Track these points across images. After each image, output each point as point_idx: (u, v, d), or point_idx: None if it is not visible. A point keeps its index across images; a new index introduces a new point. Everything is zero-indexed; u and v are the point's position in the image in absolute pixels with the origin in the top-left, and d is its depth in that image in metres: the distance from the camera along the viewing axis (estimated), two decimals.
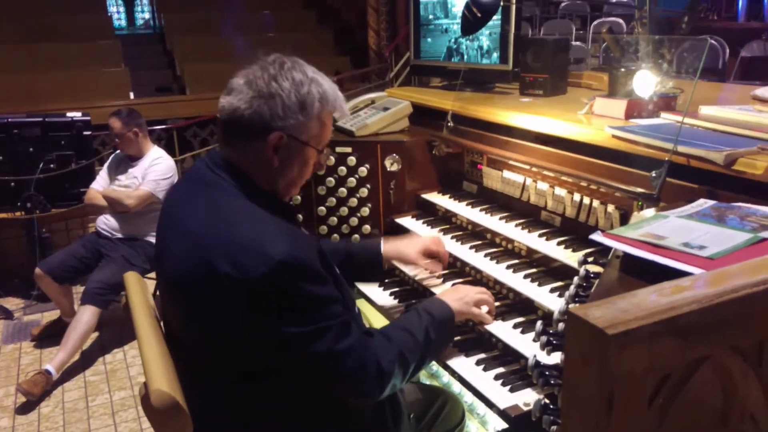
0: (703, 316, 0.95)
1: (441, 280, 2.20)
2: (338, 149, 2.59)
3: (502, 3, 2.17)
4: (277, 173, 1.53)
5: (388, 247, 2.06)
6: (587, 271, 1.46)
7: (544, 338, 1.26)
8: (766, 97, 2.34)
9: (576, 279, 1.47)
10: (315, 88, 1.49)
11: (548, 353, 1.31)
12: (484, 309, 1.89)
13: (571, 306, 0.92)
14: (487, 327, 1.91)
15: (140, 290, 1.89)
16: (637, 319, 0.91)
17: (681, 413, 1.01)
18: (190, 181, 1.62)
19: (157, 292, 1.91)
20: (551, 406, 1.19)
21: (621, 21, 7.86)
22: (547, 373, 1.21)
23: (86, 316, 3.79)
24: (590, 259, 1.62)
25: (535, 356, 1.24)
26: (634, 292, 0.99)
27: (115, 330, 4.41)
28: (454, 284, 2.17)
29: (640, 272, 1.24)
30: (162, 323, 1.74)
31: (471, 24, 2.16)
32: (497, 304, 1.96)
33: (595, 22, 7.94)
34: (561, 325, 1.35)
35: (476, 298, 1.85)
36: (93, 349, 4.17)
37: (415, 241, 2.10)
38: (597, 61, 7.13)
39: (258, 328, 1.37)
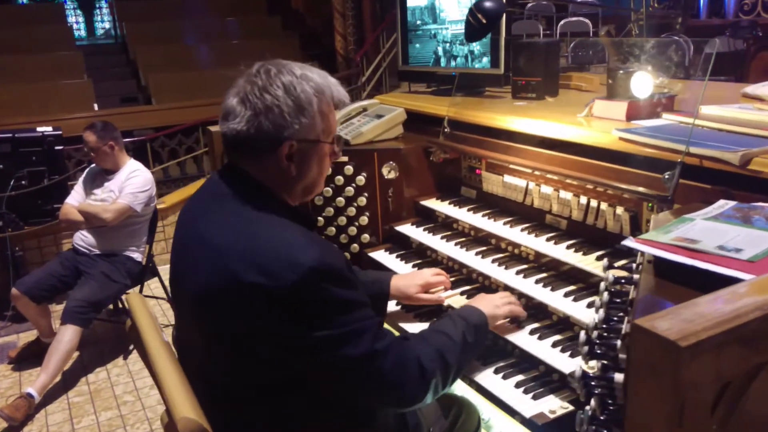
0: (766, 323, 0.95)
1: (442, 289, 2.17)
2: None
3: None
4: (296, 179, 1.51)
5: (392, 283, 2.04)
6: (615, 276, 1.45)
7: (586, 348, 1.24)
8: (758, 95, 2.38)
9: (603, 284, 1.46)
10: (307, 85, 1.45)
11: (586, 361, 1.30)
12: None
13: (637, 319, 0.91)
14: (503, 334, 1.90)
15: (146, 312, 1.82)
16: (705, 330, 0.90)
17: (741, 419, 1.01)
18: (205, 196, 1.58)
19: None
20: (601, 417, 1.18)
21: (587, 21, 7.97)
22: (593, 383, 1.20)
23: (67, 335, 3.68)
24: (610, 263, 1.62)
25: (581, 367, 1.23)
26: (694, 301, 0.98)
27: (96, 349, 4.31)
28: (464, 291, 2.16)
29: (675, 277, 1.23)
30: (175, 345, 1.69)
31: (476, 30, 2.14)
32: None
33: (562, 22, 8.04)
34: (595, 333, 1.34)
35: (504, 302, 1.85)
36: (74, 370, 4.06)
37: (415, 278, 2.08)
38: (565, 60, 7.21)
39: (292, 337, 1.33)
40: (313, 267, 1.29)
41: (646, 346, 0.92)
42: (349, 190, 2.56)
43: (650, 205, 1.87)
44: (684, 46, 6.21)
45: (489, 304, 1.81)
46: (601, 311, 1.33)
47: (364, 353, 1.35)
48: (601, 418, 1.18)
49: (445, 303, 2.10)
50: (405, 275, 2.11)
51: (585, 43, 7.14)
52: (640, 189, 1.81)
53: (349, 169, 2.55)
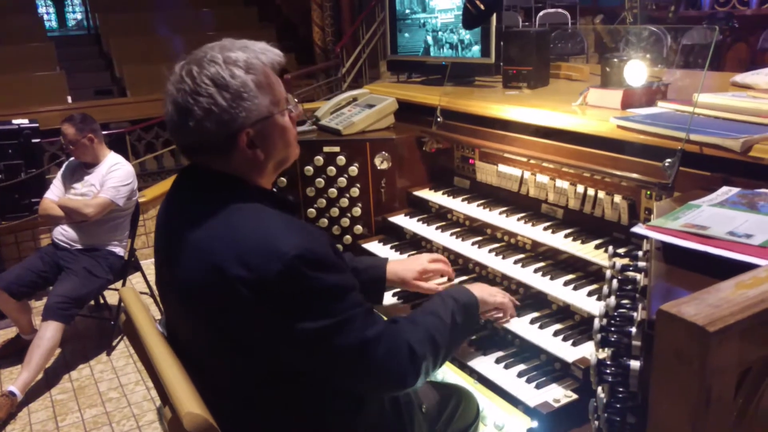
0: None
1: (445, 279, 2.16)
2: (326, 149, 2.52)
3: None
4: (266, 161, 1.45)
5: (389, 268, 2.01)
6: (622, 265, 1.45)
7: (599, 336, 1.24)
8: (748, 83, 2.40)
9: (610, 272, 1.46)
10: (235, 68, 1.37)
11: (597, 349, 1.29)
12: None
13: (663, 305, 0.90)
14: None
15: (141, 306, 1.78)
16: (732, 315, 0.89)
17: (761, 404, 1.01)
18: (178, 195, 1.52)
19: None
20: (617, 405, 1.18)
21: (566, 12, 8.01)
22: (607, 371, 1.19)
23: (49, 332, 3.61)
24: (614, 251, 1.61)
25: (596, 356, 1.22)
26: (717, 286, 0.98)
27: (79, 345, 4.23)
28: (461, 282, 2.14)
29: (686, 263, 1.23)
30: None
31: (474, 17, 2.12)
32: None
33: (540, 14, 8.07)
34: (603, 321, 1.34)
35: (498, 291, 1.85)
36: (57, 367, 3.98)
37: (413, 264, 2.06)
38: None
39: (282, 328, 1.30)
40: (297, 255, 1.25)
41: (671, 331, 0.91)
42: (342, 181, 2.54)
43: (649, 193, 1.87)
44: (662, 36, 6.28)
45: (482, 291, 1.81)
46: (612, 299, 1.32)
47: (356, 342, 1.33)
48: (617, 405, 1.17)
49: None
50: (402, 260, 2.09)
51: (564, 34, 7.18)
52: (641, 176, 1.81)
53: (341, 160, 2.52)
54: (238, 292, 1.27)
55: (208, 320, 1.38)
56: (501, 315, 1.89)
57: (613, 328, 1.22)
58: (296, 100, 1.55)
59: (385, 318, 2.13)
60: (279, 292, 1.27)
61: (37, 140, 4.58)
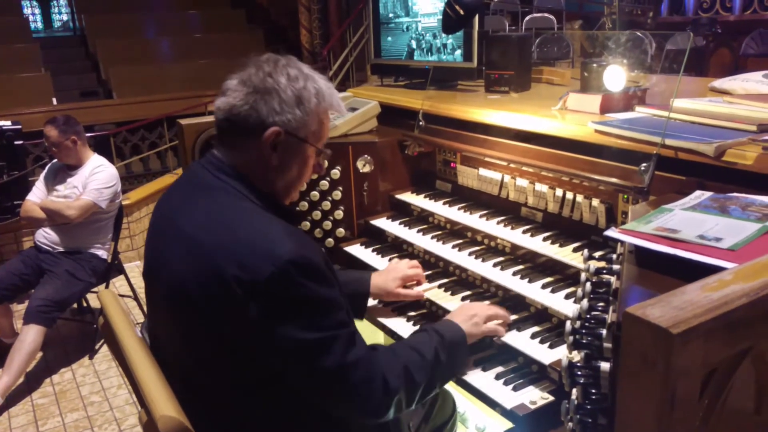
0: (751, 309, 0.96)
1: (427, 282, 2.17)
2: None
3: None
4: (276, 172, 1.49)
5: (372, 282, 2.03)
6: (596, 268, 1.47)
7: (571, 338, 1.25)
8: (725, 89, 2.43)
9: (584, 275, 1.47)
10: (311, 84, 1.46)
11: (570, 351, 1.31)
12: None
13: (628, 307, 0.92)
14: None
15: (120, 309, 1.78)
16: (696, 317, 0.91)
17: (726, 404, 1.02)
18: (185, 185, 1.56)
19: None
20: (588, 406, 1.19)
21: (552, 17, 8.06)
22: (579, 372, 1.21)
23: (31, 335, 3.60)
24: (590, 254, 1.63)
25: (567, 357, 1.23)
26: (682, 289, 0.99)
27: (61, 349, 4.21)
28: (441, 284, 2.15)
29: (657, 266, 1.24)
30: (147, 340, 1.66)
31: (453, 22, 2.13)
32: (487, 303, 1.94)
33: (527, 18, 8.11)
34: (577, 324, 1.35)
35: (487, 314, 1.80)
36: (38, 371, 3.97)
37: (394, 273, 2.06)
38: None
39: (266, 332, 1.31)
40: (290, 260, 1.28)
41: (637, 333, 0.92)
42: (324, 184, 2.54)
43: (626, 196, 1.89)
44: (646, 42, 6.32)
45: (469, 320, 1.75)
46: (585, 301, 1.34)
47: (334, 364, 1.34)
48: (588, 407, 1.18)
49: (425, 296, 2.10)
50: (381, 272, 2.09)
51: (550, 38, 7.22)
52: (617, 180, 1.83)
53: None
54: (233, 292, 1.29)
55: (196, 318, 1.39)
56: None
57: (585, 331, 1.24)
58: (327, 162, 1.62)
59: (367, 321, 2.16)
60: (268, 294, 1.28)
61: (20, 142, 4.56)
